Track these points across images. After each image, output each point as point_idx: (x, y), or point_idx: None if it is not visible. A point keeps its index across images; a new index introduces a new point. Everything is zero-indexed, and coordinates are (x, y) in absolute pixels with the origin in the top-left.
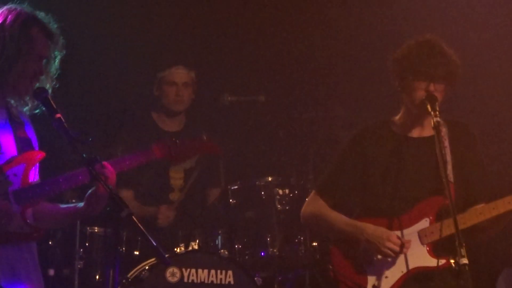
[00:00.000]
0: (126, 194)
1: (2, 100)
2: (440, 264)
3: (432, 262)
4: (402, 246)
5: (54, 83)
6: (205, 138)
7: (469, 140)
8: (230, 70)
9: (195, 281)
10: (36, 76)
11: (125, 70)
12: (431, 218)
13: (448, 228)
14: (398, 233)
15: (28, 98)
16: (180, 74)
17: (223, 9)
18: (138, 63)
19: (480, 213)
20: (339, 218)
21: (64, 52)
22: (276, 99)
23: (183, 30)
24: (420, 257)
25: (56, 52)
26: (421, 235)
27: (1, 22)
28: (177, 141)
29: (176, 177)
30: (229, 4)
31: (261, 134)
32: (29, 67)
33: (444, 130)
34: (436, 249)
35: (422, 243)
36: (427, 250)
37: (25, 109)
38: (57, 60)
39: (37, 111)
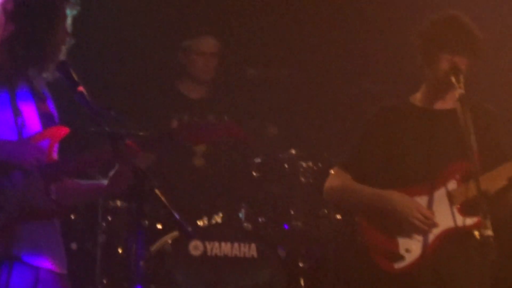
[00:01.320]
0: None
1: (24, 72)
2: (472, 223)
3: (464, 221)
4: (431, 217)
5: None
6: (230, 122)
7: (490, 120)
8: (255, 43)
9: (218, 254)
10: (66, 42)
11: (146, 38)
12: (458, 179)
13: (472, 188)
14: (426, 198)
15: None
16: (209, 44)
17: None
18: (159, 31)
19: (510, 170)
20: (365, 190)
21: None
22: (301, 73)
23: None
24: (452, 217)
25: (67, 11)
26: (451, 195)
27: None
28: (201, 123)
29: (198, 155)
30: None
31: (285, 108)
32: (60, 33)
33: (465, 104)
34: (467, 209)
35: (453, 203)
36: (458, 210)
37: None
38: (69, 20)
39: None
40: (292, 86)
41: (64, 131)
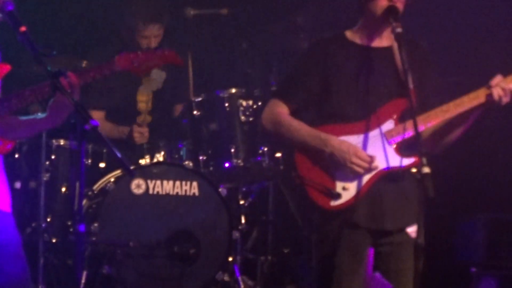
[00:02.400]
0: (98, 115)
1: None
2: (409, 163)
3: (402, 162)
4: (366, 159)
5: None
6: (167, 49)
7: (423, 56)
8: None
9: (160, 192)
10: None
11: None
12: (395, 118)
13: (413, 128)
14: (362, 136)
15: None
16: (153, 30)
17: None
18: None
19: (446, 110)
20: (302, 128)
21: None
22: (239, 12)
23: None
24: (389, 157)
25: None
26: (388, 135)
27: None
28: (139, 52)
29: (143, 100)
30: None
31: (224, 47)
32: None
33: (400, 43)
34: (405, 150)
35: (390, 143)
36: (394, 149)
37: None
38: None
39: None
40: (231, 25)
41: (5, 68)
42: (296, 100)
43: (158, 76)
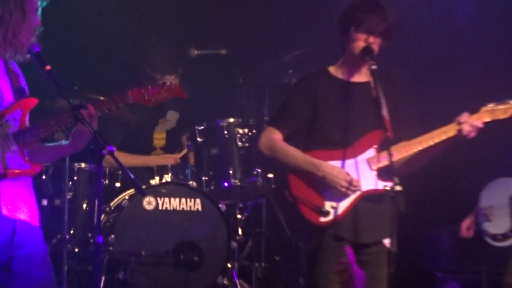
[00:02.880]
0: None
1: (1, 54)
2: (386, 187)
3: (380, 185)
4: (354, 184)
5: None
6: (173, 85)
7: (397, 90)
8: (197, 27)
9: (168, 208)
10: (37, 29)
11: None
12: (375, 148)
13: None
14: (348, 162)
15: (21, 53)
16: (170, 79)
17: None
18: (127, 33)
19: (420, 142)
20: (296, 153)
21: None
22: (236, 53)
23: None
24: (370, 181)
25: (39, 3)
26: (370, 162)
27: None
28: (149, 87)
29: (159, 137)
30: None
31: (223, 82)
32: (33, 23)
33: (378, 77)
34: (383, 174)
35: (371, 169)
36: (375, 175)
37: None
38: (40, 10)
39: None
40: (229, 63)
41: (33, 102)
42: (288, 127)
43: (172, 117)
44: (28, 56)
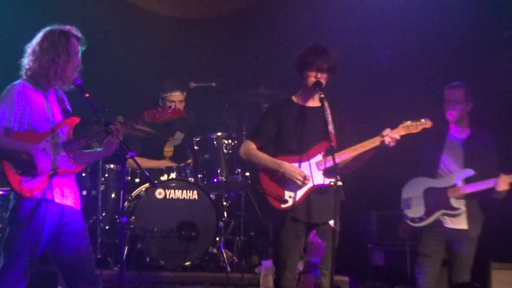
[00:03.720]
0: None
1: (52, 85)
2: (330, 182)
3: (326, 181)
4: (306, 178)
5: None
6: (176, 108)
7: (341, 112)
8: (194, 65)
9: (173, 197)
10: (79, 66)
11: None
12: (322, 153)
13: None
14: (302, 164)
15: (67, 84)
16: (177, 96)
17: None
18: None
19: (354, 149)
20: (265, 157)
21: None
22: (222, 85)
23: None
24: (319, 178)
25: (79, 47)
26: (318, 164)
27: (51, 40)
28: (159, 109)
29: (168, 150)
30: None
31: (213, 106)
32: (76, 62)
33: (326, 104)
34: (327, 173)
35: (319, 169)
36: (322, 173)
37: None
38: (80, 53)
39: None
40: (218, 93)
41: (76, 120)
42: (261, 140)
43: (179, 136)
44: (72, 86)
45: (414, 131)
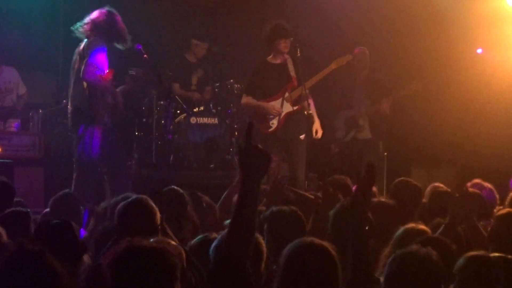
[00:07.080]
0: (175, 85)
1: (112, 44)
2: (296, 108)
3: (294, 108)
4: (279, 109)
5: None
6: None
7: (299, 63)
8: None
9: (202, 122)
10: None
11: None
12: (289, 91)
13: (296, 93)
14: (276, 101)
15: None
16: (204, 45)
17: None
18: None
19: (316, 76)
20: (254, 102)
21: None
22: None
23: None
24: (288, 107)
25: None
26: (286, 98)
27: (112, 18)
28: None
29: (193, 83)
30: None
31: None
32: (126, 31)
33: (289, 58)
34: (294, 102)
35: (287, 102)
36: (290, 104)
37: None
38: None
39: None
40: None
41: (111, 72)
42: (251, 92)
43: (200, 72)
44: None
45: (341, 64)
